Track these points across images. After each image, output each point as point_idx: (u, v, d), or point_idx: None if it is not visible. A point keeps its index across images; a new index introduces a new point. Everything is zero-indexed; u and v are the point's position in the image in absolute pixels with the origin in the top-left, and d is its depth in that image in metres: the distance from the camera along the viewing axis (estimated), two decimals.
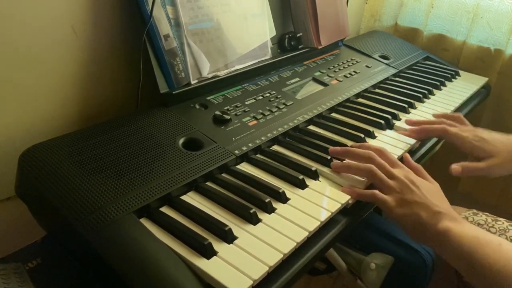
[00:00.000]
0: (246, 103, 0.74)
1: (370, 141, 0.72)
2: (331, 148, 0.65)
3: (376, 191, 0.59)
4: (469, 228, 0.55)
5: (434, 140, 0.79)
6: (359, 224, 0.59)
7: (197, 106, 0.70)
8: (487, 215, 0.78)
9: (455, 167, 0.74)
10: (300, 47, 0.93)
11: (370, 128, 0.74)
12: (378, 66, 1.03)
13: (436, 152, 0.86)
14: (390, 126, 0.78)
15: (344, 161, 0.63)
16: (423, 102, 0.91)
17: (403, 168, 0.62)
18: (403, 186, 0.59)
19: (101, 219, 0.46)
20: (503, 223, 0.75)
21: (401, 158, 0.69)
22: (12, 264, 0.51)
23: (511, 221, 0.76)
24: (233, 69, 0.77)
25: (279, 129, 0.69)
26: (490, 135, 0.76)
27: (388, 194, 0.59)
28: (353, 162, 0.62)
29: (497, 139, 0.76)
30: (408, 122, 0.79)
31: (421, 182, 0.61)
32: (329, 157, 0.64)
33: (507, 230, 0.73)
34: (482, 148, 0.75)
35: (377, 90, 0.94)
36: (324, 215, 0.53)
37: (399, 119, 0.81)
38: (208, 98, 0.72)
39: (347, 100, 0.85)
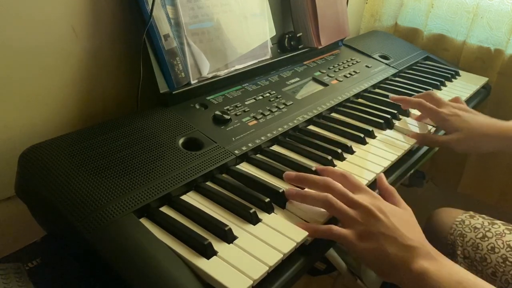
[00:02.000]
0: (246, 103, 0.74)
1: (370, 141, 0.72)
2: (286, 173, 0.58)
3: (332, 226, 0.51)
4: (450, 269, 0.47)
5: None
6: None
7: (197, 106, 0.70)
8: (484, 217, 0.78)
9: (418, 135, 0.74)
10: (300, 47, 0.93)
11: (370, 128, 0.74)
12: (378, 66, 1.03)
13: (436, 152, 0.86)
14: (390, 126, 0.78)
15: (299, 189, 0.55)
16: None
17: (368, 194, 0.54)
18: (367, 215, 0.50)
19: (101, 219, 0.46)
20: (499, 226, 0.74)
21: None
22: (12, 264, 0.51)
23: (508, 224, 0.76)
24: (233, 69, 0.77)
25: (279, 129, 0.69)
26: (468, 114, 0.76)
27: (349, 227, 0.50)
28: (309, 191, 0.54)
29: (473, 118, 0.75)
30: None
31: (390, 209, 0.52)
32: (329, 158, 0.64)
33: (503, 235, 0.72)
34: (451, 123, 0.74)
35: (377, 90, 0.94)
36: (325, 214, 0.53)
37: (399, 119, 0.81)
38: (208, 98, 0.72)
39: (347, 100, 0.85)
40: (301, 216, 0.53)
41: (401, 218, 0.51)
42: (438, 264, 0.47)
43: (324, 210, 0.53)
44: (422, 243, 0.49)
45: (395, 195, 0.56)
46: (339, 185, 0.53)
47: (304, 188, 0.56)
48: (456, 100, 0.81)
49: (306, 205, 0.54)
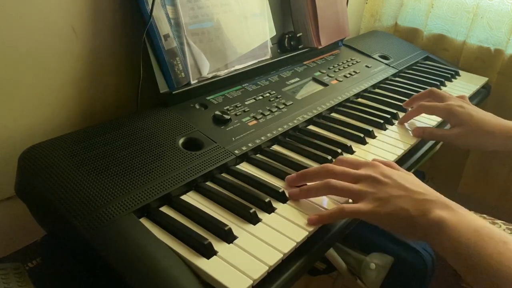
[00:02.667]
0: (246, 103, 0.74)
1: (370, 141, 0.72)
2: (287, 177, 0.57)
3: (343, 205, 0.51)
4: (468, 218, 0.47)
5: (434, 140, 0.79)
6: (359, 223, 0.59)
7: (197, 106, 0.70)
8: (485, 217, 0.78)
9: (417, 128, 0.73)
10: (300, 47, 0.93)
11: (370, 128, 0.74)
12: (378, 66, 1.03)
13: (436, 152, 0.86)
14: (390, 126, 0.78)
15: (300, 187, 0.55)
16: None
17: (368, 165, 0.55)
18: (374, 183, 0.51)
19: (101, 219, 0.46)
20: (500, 226, 0.74)
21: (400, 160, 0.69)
22: (12, 264, 0.51)
23: (509, 223, 0.76)
24: (233, 69, 0.77)
25: (279, 129, 0.69)
26: (474, 108, 0.74)
27: (361, 200, 0.50)
28: (310, 184, 0.55)
29: (479, 113, 0.73)
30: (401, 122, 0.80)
31: (393, 172, 0.53)
32: (329, 157, 0.64)
33: None
34: (456, 114, 0.72)
35: (377, 90, 0.94)
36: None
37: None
38: (208, 98, 0.72)
39: (347, 100, 0.85)
40: (293, 221, 0.52)
41: (406, 178, 0.52)
42: (455, 213, 0.47)
43: (337, 198, 0.54)
44: (436, 196, 0.50)
45: (393, 164, 0.57)
46: (337, 167, 0.54)
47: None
48: (462, 97, 0.80)
49: (312, 199, 0.54)
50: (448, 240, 0.46)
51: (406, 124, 0.78)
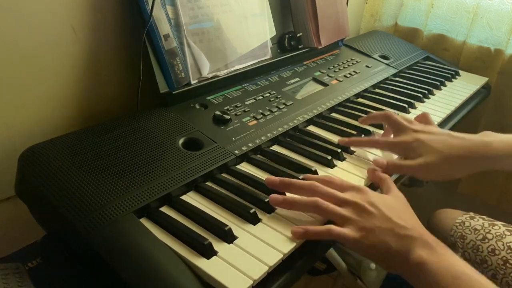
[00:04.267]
0: (246, 103, 0.74)
1: None
2: (267, 178, 0.55)
3: (331, 226, 0.49)
4: (449, 262, 0.46)
5: None
6: None
7: (197, 106, 0.70)
8: (484, 219, 0.78)
9: (379, 159, 0.63)
10: (300, 47, 0.93)
11: (370, 128, 0.74)
12: (378, 66, 1.03)
13: None
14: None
15: (285, 196, 0.53)
16: (423, 102, 0.90)
17: (355, 189, 0.53)
18: (360, 211, 0.50)
19: (101, 219, 0.46)
20: (499, 227, 0.74)
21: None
22: (12, 264, 0.51)
23: (508, 225, 0.76)
24: (233, 69, 0.77)
25: (279, 129, 0.69)
26: (432, 136, 0.64)
27: (346, 225, 0.49)
28: (296, 197, 0.53)
29: (436, 139, 0.63)
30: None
31: (381, 200, 0.51)
32: (329, 157, 0.64)
33: (503, 236, 0.72)
34: (412, 148, 0.63)
35: (377, 90, 0.94)
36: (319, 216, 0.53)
37: None
38: (208, 98, 0.72)
39: (347, 100, 0.85)
40: (293, 221, 0.51)
41: (394, 207, 0.51)
42: (436, 255, 0.47)
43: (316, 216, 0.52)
44: (419, 231, 0.49)
45: (387, 181, 0.56)
46: (325, 187, 0.52)
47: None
48: (422, 117, 0.70)
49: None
50: (426, 283, 0.46)
51: (355, 149, 0.69)
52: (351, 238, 0.48)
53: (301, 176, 0.59)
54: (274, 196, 0.53)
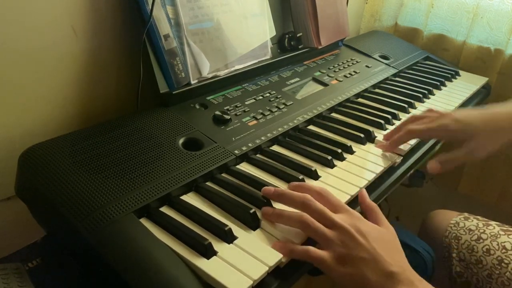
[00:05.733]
0: (246, 103, 0.74)
1: (370, 141, 0.72)
2: (264, 188, 0.54)
3: (310, 248, 0.47)
4: None
5: (434, 140, 0.79)
6: None
7: (197, 106, 0.70)
8: (478, 219, 0.78)
9: (432, 165, 0.65)
10: (300, 47, 0.93)
11: (370, 128, 0.74)
12: (378, 66, 1.03)
13: (436, 152, 0.86)
14: (390, 126, 0.78)
15: (275, 208, 0.52)
16: (423, 102, 0.91)
17: (347, 213, 0.50)
18: (346, 237, 0.47)
19: (101, 219, 0.46)
20: (494, 227, 0.74)
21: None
22: (12, 264, 0.51)
23: (503, 224, 0.76)
24: (233, 69, 0.77)
25: (279, 129, 0.69)
26: (462, 114, 0.68)
27: (327, 249, 0.47)
28: (285, 210, 0.51)
29: (472, 116, 0.67)
30: (385, 138, 0.72)
31: (370, 229, 0.49)
32: (329, 157, 0.64)
33: (498, 236, 0.72)
34: (459, 131, 0.66)
35: (377, 90, 0.94)
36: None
37: (399, 119, 0.81)
38: (208, 98, 0.72)
39: (347, 100, 0.85)
40: (276, 236, 0.50)
41: (381, 240, 0.48)
42: None
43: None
44: (403, 268, 0.47)
45: (376, 211, 0.53)
46: (317, 204, 0.50)
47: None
48: (430, 111, 0.73)
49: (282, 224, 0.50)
50: None
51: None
52: (328, 264, 0.46)
53: (300, 177, 0.59)
54: (265, 208, 0.52)
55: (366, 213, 0.54)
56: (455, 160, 0.66)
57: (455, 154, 0.66)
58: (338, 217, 0.49)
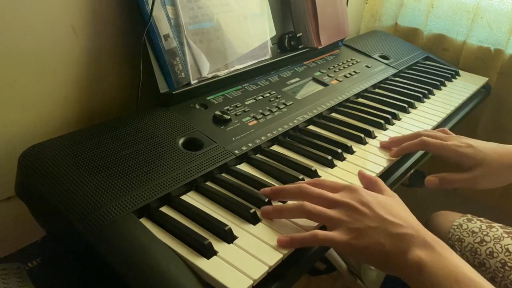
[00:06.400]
0: (246, 103, 0.74)
1: (370, 141, 0.72)
2: (262, 189, 0.54)
3: (317, 231, 0.47)
4: (449, 263, 0.44)
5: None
6: None
7: (197, 106, 0.70)
8: (482, 221, 0.77)
9: (431, 178, 0.65)
10: (300, 47, 0.93)
11: (370, 128, 0.74)
12: (378, 66, 1.03)
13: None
14: (390, 126, 0.78)
15: (274, 205, 0.52)
16: (423, 102, 0.91)
17: (346, 189, 0.51)
18: (350, 211, 0.47)
19: (101, 219, 0.46)
20: (497, 229, 0.74)
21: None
22: (12, 264, 0.51)
23: (506, 227, 0.76)
24: (233, 69, 0.77)
25: (279, 129, 0.69)
26: (478, 142, 0.67)
27: (335, 228, 0.47)
28: (284, 204, 0.51)
29: (487, 146, 0.67)
30: (391, 143, 0.71)
31: (373, 198, 0.49)
32: (329, 158, 0.64)
33: (501, 238, 0.72)
34: (468, 155, 0.65)
35: (377, 90, 0.94)
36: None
37: (399, 119, 0.81)
38: (208, 98, 0.72)
39: (347, 100, 0.85)
40: (278, 231, 0.49)
41: (386, 205, 0.48)
42: (435, 255, 0.44)
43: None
44: (416, 229, 0.46)
45: (378, 183, 0.54)
46: (314, 189, 0.50)
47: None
48: (445, 132, 0.72)
49: (284, 220, 0.50)
50: (425, 286, 0.43)
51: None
52: (340, 241, 0.46)
53: (300, 177, 0.59)
54: (264, 208, 0.51)
55: (368, 187, 0.54)
56: (455, 182, 0.66)
57: (457, 177, 0.66)
58: (337, 195, 0.49)
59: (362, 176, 0.57)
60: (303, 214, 0.49)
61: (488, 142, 0.69)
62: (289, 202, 0.53)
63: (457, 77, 1.07)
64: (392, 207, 0.49)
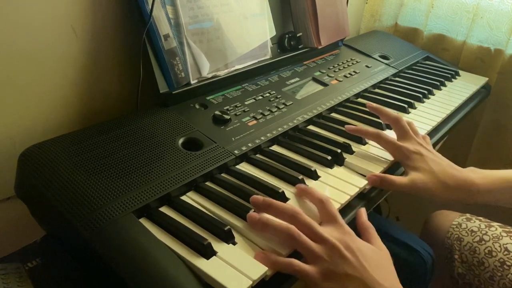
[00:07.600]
0: (246, 103, 0.74)
1: (370, 141, 0.72)
2: (252, 196, 0.52)
3: (293, 261, 0.45)
4: None
5: (434, 140, 0.79)
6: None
7: (197, 106, 0.70)
8: (481, 220, 0.78)
9: (371, 176, 0.61)
10: (300, 47, 0.93)
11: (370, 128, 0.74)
12: (378, 66, 1.03)
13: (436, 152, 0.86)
14: (389, 126, 0.78)
15: (261, 215, 0.49)
16: (423, 102, 0.91)
17: (338, 228, 0.48)
18: (332, 252, 0.45)
19: (101, 219, 0.46)
20: (496, 229, 0.74)
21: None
22: (12, 264, 0.51)
23: (505, 226, 0.76)
24: (233, 69, 0.77)
25: (279, 129, 0.69)
26: (432, 156, 0.64)
27: (313, 264, 0.45)
28: (272, 219, 0.48)
29: (436, 161, 0.63)
30: (347, 128, 0.70)
31: (361, 246, 0.47)
32: (329, 157, 0.64)
33: (500, 238, 0.72)
34: (412, 161, 0.63)
35: (377, 90, 0.94)
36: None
37: None
38: (208, 98, 0.72)
39: (347, 100, 0.85)
40: (259, 244, 0.48)
41: (371, 258, 0.46)
42: None
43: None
44: (393, 285, 0.44)
45: (371, 231, 0.51)
46: (305, 217, 0.48)
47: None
48: (424, 137, 0.70)
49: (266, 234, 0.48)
50: None
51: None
52: (312, 277, 0.44)
53: (300, 177, 0.59)
54: (251, 214, 0.49)
55: (360, 232, 0.52)
56: (396, 185, 0.61)
57: (396, 178, 0.62)
58: (326, 232, 0.47)
59: (359, 218, 0.54)
60: (287, 238, 0.47)
61: (443, 158, 0.66)
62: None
63: (457, 77, 1.07)
64: (377, 261, 0.47)
